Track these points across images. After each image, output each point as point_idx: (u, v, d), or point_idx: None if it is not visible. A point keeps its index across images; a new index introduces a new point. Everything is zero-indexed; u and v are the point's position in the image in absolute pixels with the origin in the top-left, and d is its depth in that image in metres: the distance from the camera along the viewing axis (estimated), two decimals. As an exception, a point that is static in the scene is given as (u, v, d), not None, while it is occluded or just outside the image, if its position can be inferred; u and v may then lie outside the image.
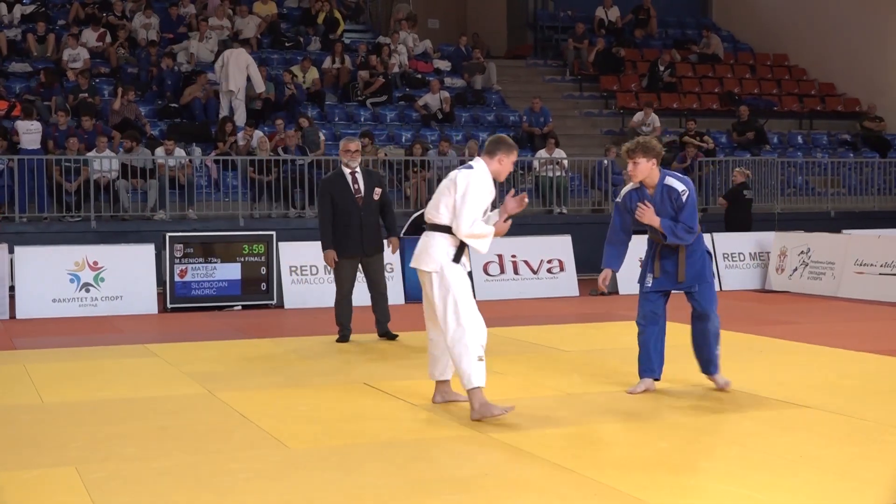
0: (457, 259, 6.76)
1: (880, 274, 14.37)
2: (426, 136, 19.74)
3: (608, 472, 5.40)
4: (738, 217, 17.23)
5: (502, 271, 15.00)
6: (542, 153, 19.04)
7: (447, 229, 6.77)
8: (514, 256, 15.13)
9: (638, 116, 21.24)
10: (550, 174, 18.75)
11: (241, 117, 18.78)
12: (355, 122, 20.19)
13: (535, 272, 15.12)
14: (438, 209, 6.81)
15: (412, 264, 6.94)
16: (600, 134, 21.98)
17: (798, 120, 23.86)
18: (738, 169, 17.92)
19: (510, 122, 21.23)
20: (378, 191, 10.47)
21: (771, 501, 4.89)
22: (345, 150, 10.38)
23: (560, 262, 15.34)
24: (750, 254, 16.27)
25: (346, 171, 10.35)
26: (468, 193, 6.68)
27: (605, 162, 19.01)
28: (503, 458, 5.77)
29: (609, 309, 13.43)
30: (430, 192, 17.02)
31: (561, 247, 15.44)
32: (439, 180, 17.50)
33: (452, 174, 6.88)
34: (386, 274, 11.09)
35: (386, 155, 18.37)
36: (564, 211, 18.68)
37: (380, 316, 10.52)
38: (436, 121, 20.48)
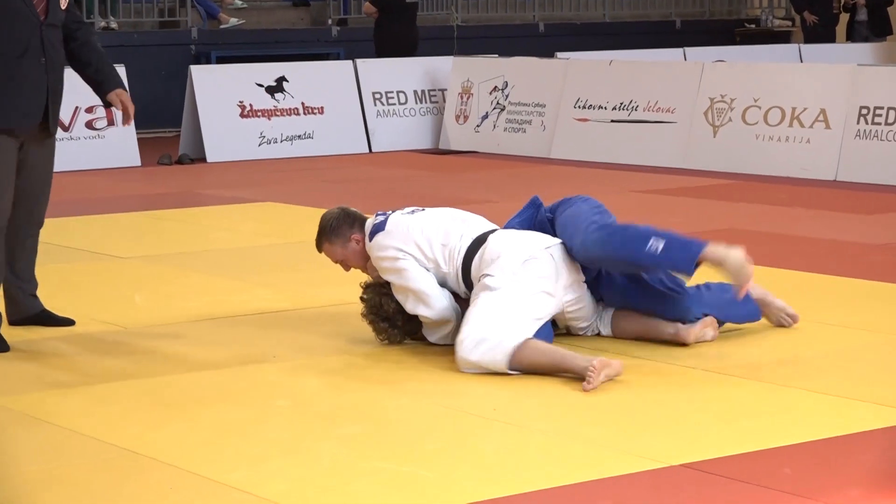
0: None
1: (612, 121, 15.24)
2: None
3: (128, 438, 5.80)
4: (395, 33, 17.65)
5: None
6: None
7: None
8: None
9: None
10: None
11: None
12: None
13: (66, 129, 14.98)
14: None
15: None
16: None
17: None
18: (393, -45, 18.41)
19: None
20: None
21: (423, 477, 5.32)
22: None
23: (107, 111, 15.33)
24: (416, 93, 16.81)
25: None
26: None
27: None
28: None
29: (191, 186, 13.63)
30: None
31: (109, 86, 15.40)
32: None
33: None
34: None
35: None
36: (113, 25, 18.52)
37: None
38: None
